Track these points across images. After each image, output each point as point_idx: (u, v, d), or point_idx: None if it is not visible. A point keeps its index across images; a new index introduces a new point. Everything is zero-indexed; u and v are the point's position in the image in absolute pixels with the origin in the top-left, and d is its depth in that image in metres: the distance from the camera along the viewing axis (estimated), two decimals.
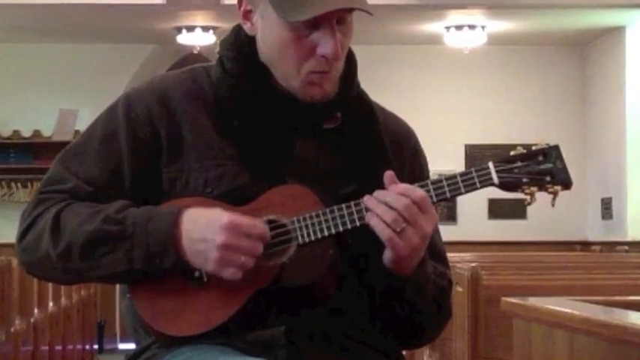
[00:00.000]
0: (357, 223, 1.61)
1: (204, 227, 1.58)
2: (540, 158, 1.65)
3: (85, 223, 1.63)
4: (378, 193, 1.59)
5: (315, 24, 1.62)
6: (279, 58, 1.66)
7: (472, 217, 9.24)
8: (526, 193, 1.65)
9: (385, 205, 1.57)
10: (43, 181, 1.72)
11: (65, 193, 1.68)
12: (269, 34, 1.66)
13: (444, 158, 8.87)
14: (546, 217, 9.06)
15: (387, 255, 1.62)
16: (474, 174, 1.64)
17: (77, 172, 1.69)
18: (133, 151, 1.69)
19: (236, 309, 1.60)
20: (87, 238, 1.62)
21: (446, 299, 1.76)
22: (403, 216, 1.56)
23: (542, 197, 1.67)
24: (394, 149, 1.75)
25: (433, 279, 1.71)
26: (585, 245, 9.21)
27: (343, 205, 1.62)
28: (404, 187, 1.59)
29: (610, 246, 8.53)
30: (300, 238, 1.61)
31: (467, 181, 1.63)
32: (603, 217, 9.27)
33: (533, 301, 2.21)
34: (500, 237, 9.16)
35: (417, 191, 1.59)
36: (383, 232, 1.57)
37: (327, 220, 1.61)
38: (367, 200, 1.59)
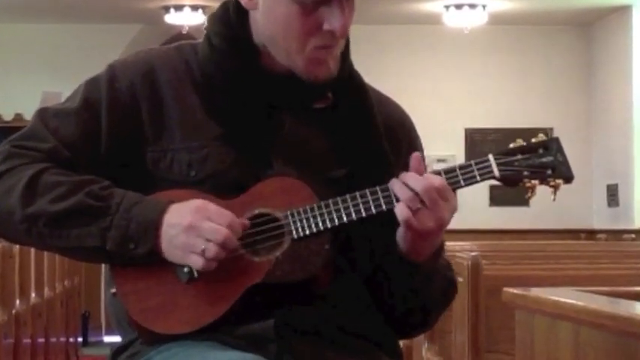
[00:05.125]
0: (354, 217, 1.61)
1: (177, 213, 1.59)
2: (541, 151, 1.66)
3: (68, 192, 1.62)
4: (401, 175, 1.61)
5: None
6: (284, 34, 1.65)
7: (473, 204, 9.30)
8: (527, 187, 1.66)
9: (404, 184, 1.60)
10: (20, 134, 1.70)
11: (43, 152, 1.67)
12: (273, 8, 1.65)
13: (443, 143, 9.03)
14: (550, 204, 8.92)
15: (402, 237, 1.64)
16: (474, 167, 1.64)
17: (56, 132, 1.68)
18: (113, 121, 1.69)
19: (227, 307, 1.59)
20: (65, 207, 1.61)
21: (452, 291, 1.79)
22: (420, 197, 1.58)
23: (543, 186, 1.68)
24: (388, 132, 1.74)
25: (443, 271, 1.74)
26: (590, 233, 9.36)
27: (338, 199, 1.61)
28: (427, 173, 1.62)
29: (616, 234, 8.68)
30: (294, 232, 1.60)
31: (466, 174, 1.63)
32: (609, 205, 9.42)
33: (536, 291, 2.22)
34: (501, 225, 9.24)
35: (437, 177, 1.61)
36: (399, 209, 1.59)
37: (322, 214, 1.60)
38: (391, 182, 1.61)
